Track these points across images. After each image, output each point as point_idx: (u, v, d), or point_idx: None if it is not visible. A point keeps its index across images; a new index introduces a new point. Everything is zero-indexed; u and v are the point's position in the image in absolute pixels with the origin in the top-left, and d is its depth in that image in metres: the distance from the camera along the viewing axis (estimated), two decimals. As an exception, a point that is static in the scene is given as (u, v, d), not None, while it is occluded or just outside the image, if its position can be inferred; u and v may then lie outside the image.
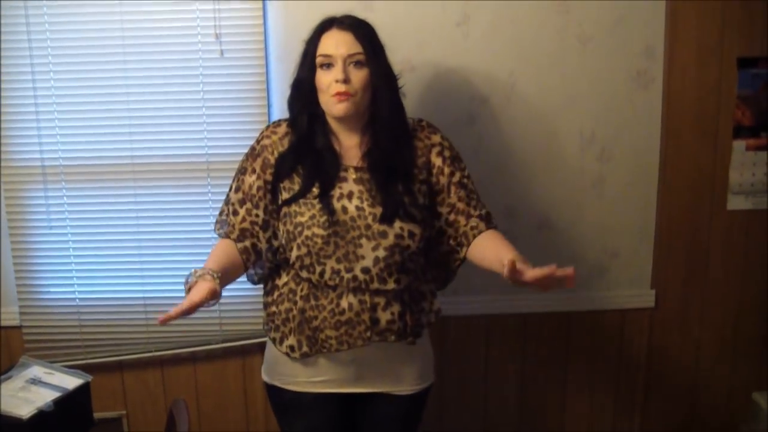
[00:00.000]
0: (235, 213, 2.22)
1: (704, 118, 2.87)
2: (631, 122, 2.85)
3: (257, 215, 2.21)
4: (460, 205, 2.23)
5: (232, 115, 2.73)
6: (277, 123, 2.28)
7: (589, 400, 3.11)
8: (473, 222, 2.22)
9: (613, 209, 2.91)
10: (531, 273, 1.87)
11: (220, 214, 2.27)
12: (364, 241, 2.12)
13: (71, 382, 2.30)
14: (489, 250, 2.14)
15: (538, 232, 2.91)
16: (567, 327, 3.02)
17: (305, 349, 2.22)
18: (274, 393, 2.35)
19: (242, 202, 2.21)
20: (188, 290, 1.98)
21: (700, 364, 3.10)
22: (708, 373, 3.11)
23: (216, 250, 2.19)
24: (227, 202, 2.25)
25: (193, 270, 2.02)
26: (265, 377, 2.35)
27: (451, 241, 2.25)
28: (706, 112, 2.86)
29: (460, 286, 2.81)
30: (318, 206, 2.12)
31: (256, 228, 2.21)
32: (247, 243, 2.21)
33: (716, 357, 3.09)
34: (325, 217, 2.11)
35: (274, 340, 2.28)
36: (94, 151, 2.74)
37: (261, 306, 2.33)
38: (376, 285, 2.14)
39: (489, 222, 2.24)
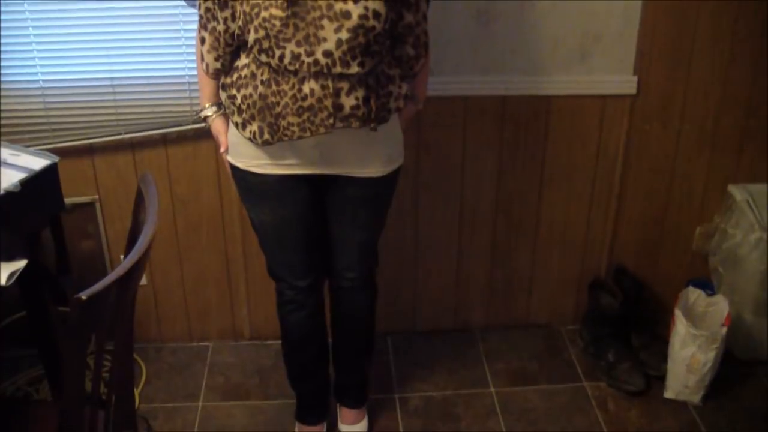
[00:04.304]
0: None
1: None
2: None
3: None
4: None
5: None
6: None
7: (566, 187, 3.11)
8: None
9: (598, -11, 2.78)
10: None
11: None
12: (326, 22, 1.99)
13: (38, 163, 2.26)
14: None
15: (519, 10, 2.77)
16: (546, 111, 2.96)
17: (266, 136, 2.16)
18: (239, 175, 2.32)
19: None
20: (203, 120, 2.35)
21: (679, 155, 3.08)
22: (685, 164, 3.10)
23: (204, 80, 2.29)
24: None
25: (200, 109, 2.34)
26: (229, 158, 2.32)
27: (410, 49, 2.21)
28: None
29: (434, 65, 2.74)
30: None
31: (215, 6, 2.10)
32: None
33: (695, 148, 3.07)
34: None
35: (236, 125, 2.22)
36: None
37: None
38: (338, 69, 2.04)
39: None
